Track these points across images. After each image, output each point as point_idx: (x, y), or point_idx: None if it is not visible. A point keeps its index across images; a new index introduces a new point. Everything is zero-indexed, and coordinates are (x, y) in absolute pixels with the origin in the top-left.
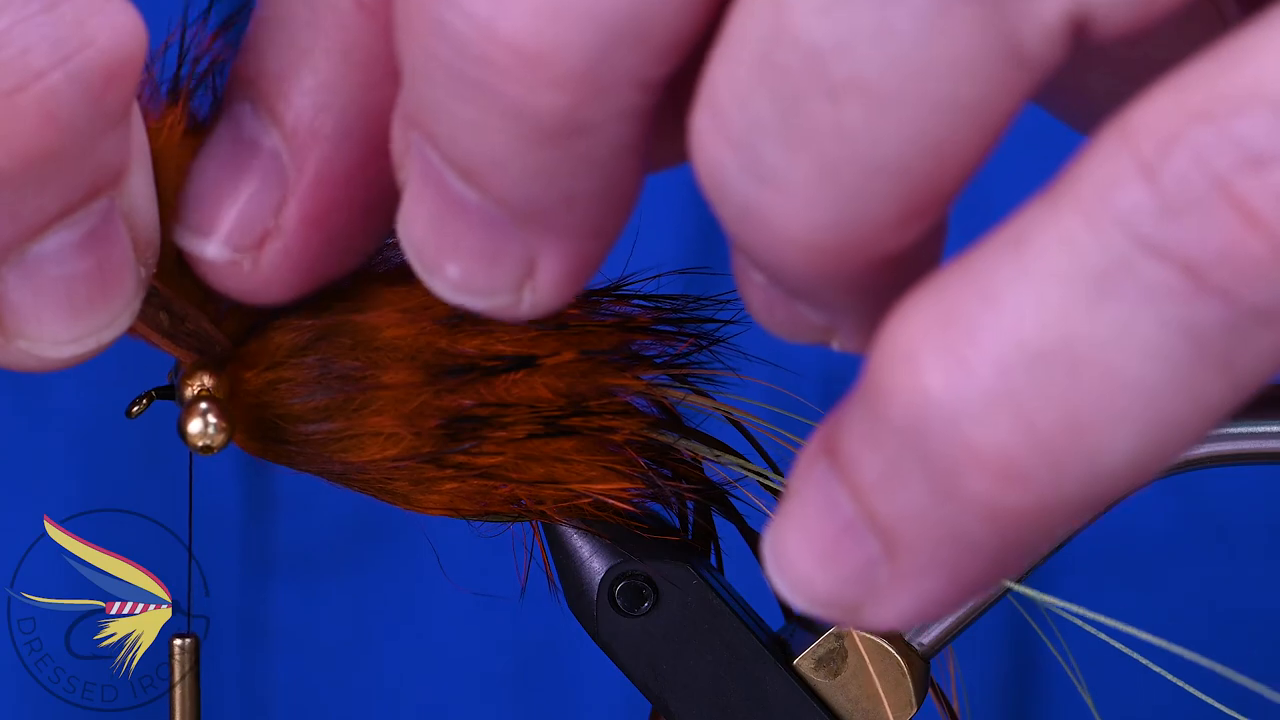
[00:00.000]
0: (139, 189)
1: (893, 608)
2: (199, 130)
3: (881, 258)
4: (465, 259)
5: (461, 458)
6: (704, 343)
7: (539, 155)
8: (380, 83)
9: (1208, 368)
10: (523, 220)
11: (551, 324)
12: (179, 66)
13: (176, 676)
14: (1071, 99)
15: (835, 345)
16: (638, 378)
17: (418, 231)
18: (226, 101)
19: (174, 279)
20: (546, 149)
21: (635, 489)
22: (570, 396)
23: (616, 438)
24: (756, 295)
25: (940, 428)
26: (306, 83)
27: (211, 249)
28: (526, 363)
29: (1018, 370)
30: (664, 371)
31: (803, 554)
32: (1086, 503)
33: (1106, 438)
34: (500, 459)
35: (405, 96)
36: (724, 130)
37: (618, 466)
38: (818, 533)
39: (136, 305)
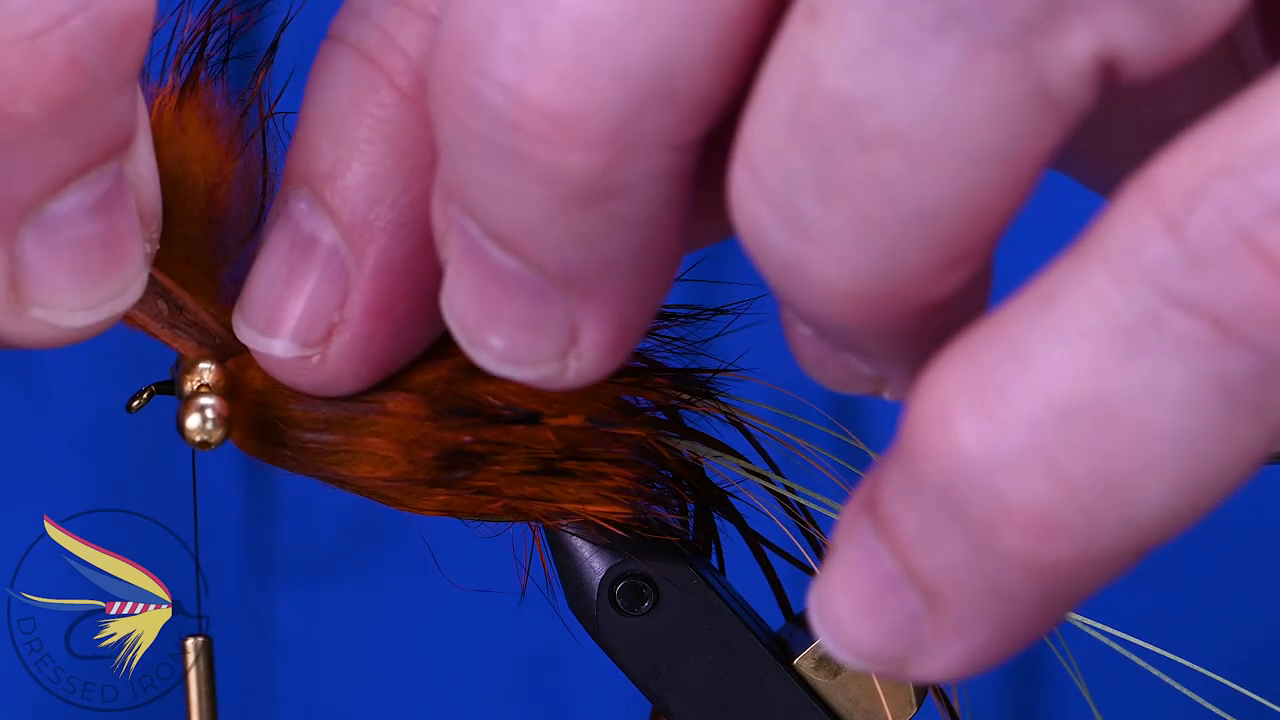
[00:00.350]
0: (143, 158)
1: (939, 661)
2: (190, 112)
3: (925, 306)
4: (508, 329)
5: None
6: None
7: (575, 219)
8: (429, 169)
9: (1240, 416)
10: (563, 286)
11: None
12: (168, 46)
13: (191, 677)
14: (1093, 161)
15: (887, 395)
16: (638, 428)
17: (460, 305)
18: (280, 197)
19: (170, 268)
20: (582, 212)
21: (633, 499)
22: (570, 442)
23: (610, 483)
24: (806, 349)
25: (975, 484)
26: (357, 176)
27: (279, 346)
28: (531, 419)
29: (1050, 426)
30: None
31: (847, 609)
32: (1126, 553)
33: (1141, 489)
34: (493, 484)
35: (442, 172)
36: (760, 186)
37: (613, 496)
38: (861, 588)
39: (145, 277)
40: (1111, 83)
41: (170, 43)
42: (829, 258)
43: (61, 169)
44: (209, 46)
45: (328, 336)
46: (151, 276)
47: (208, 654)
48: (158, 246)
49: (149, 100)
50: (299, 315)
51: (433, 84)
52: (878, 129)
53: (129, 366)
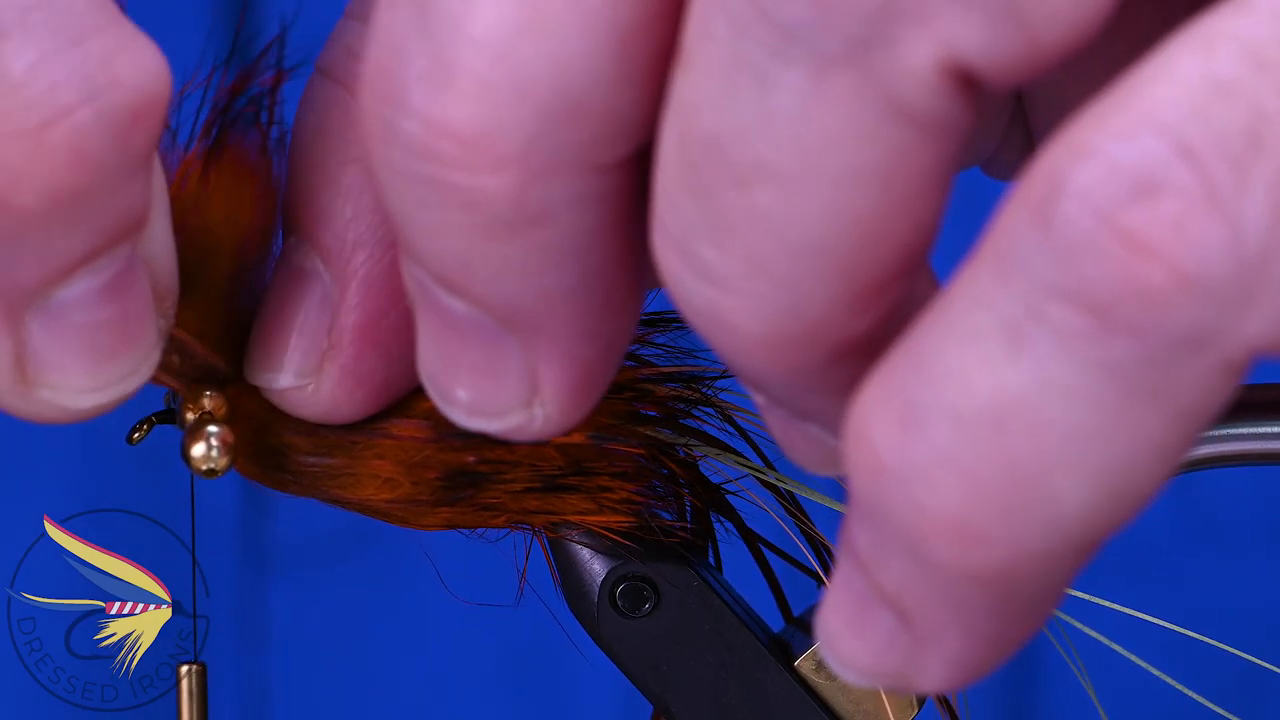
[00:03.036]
0: (159, 237)
1: (932, 673)
2: (214, 175)
3: (847, 344)
4: (470, 379)
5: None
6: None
7: (503, 247)
8: None
9: (1138, 403)
10: (510, 326)
11: None
12: (197, 114)
13: (184, 703)
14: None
15: None
16: (640, 445)
17: (426, 359)
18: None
19: (187, 324)
20: (508, 239)
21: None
22: (573, 458)
23: (614, 496)
24: (773, 426)
25: (897, 497)
26: (332, 199)
27: (281, 380)
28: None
29: (953, 432)
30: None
31: (839, 628)
32: (1063, 551)
33: (1052, 487)
34: (497, 501)
35: (389, 221)
36: (667, 235)
37: (616, 506)
38: (846, 608)
39: (157, 354)
40: (978, 89)
41: (200, 107)
42: (739, 303)
43: (67, 257)
44: (235, 108)
45: (321, 364)
46: (170, 335)
47: (201, 680)
48: (174, 321)
49: (175, 165)
50: (295, 347)
51: (359, 123)
52: (748, 164)
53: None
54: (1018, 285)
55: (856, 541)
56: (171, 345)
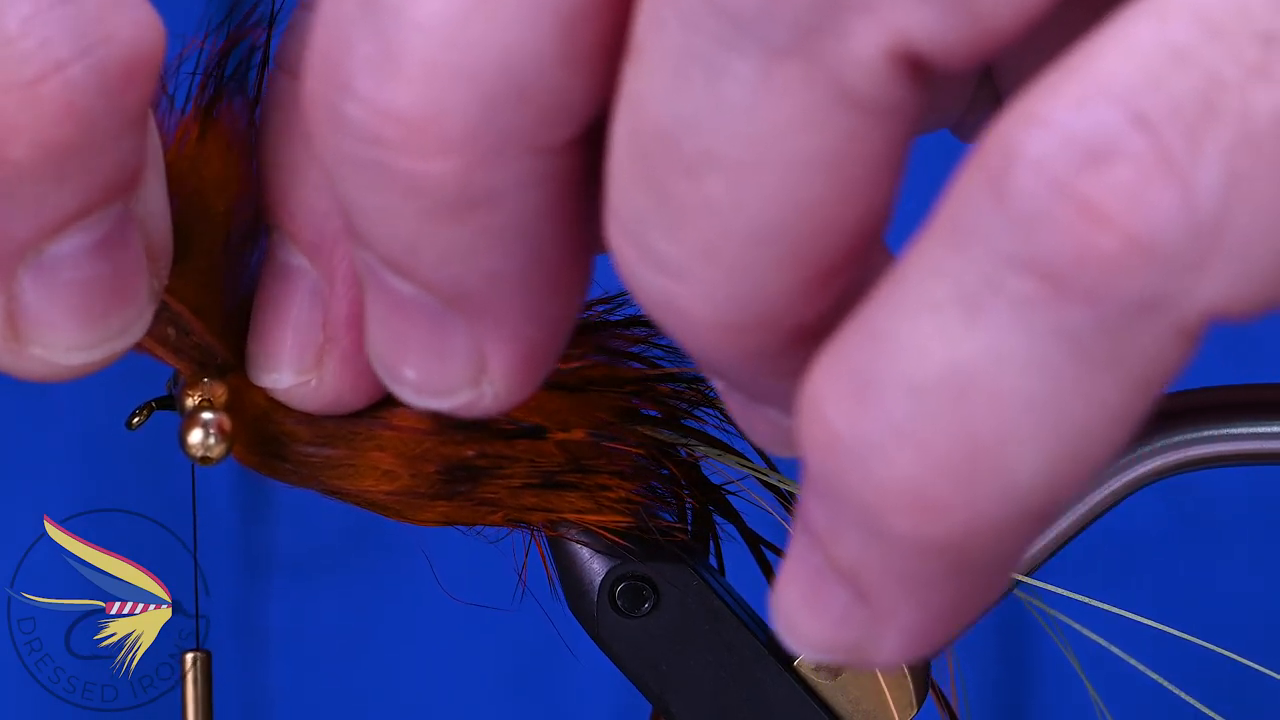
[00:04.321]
0: (153, 197)
1: (888, 646)
2: (211, 139)
3: (802, 329)
4: (417, 358)
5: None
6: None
7: (449, 231)
8: None
9: (1094, 371)
10: (456, 307)
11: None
12: (192, 76)
13: (189, 690)
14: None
15: None
16: (639, 445)
17: (374, 339)
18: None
19: (183, 294)
20: (454, 222)
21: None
22: (572, 455)
23: (613, 495)
24: (733, 409)
25: (852, 470)
26: (304, 193)
27: (282, 380)
28: (535, 434)
29: (909, 402)
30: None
31: (795, 604)
32: (1020, 519)
33: (1008, 456)
34: (495, 497)
35: (340, 209)
36: (619, 225)
37: (615, 506)
38: (801, 582)
39: (149, 315)
40: (928, 74)
41: (195, 69)
42: (692, 291)
43: (59, 212)
44: (230, 69)
45: (320, 359)
46: (163, 303)
47: (206, 667)
48: (167, 281)
49: (172, 128)
50: (290, 344)
51: (305, 110)
52: (698, 154)
53: (130, 367)
54: (973, 254)
55: (811, 517)
56: (166, 315)
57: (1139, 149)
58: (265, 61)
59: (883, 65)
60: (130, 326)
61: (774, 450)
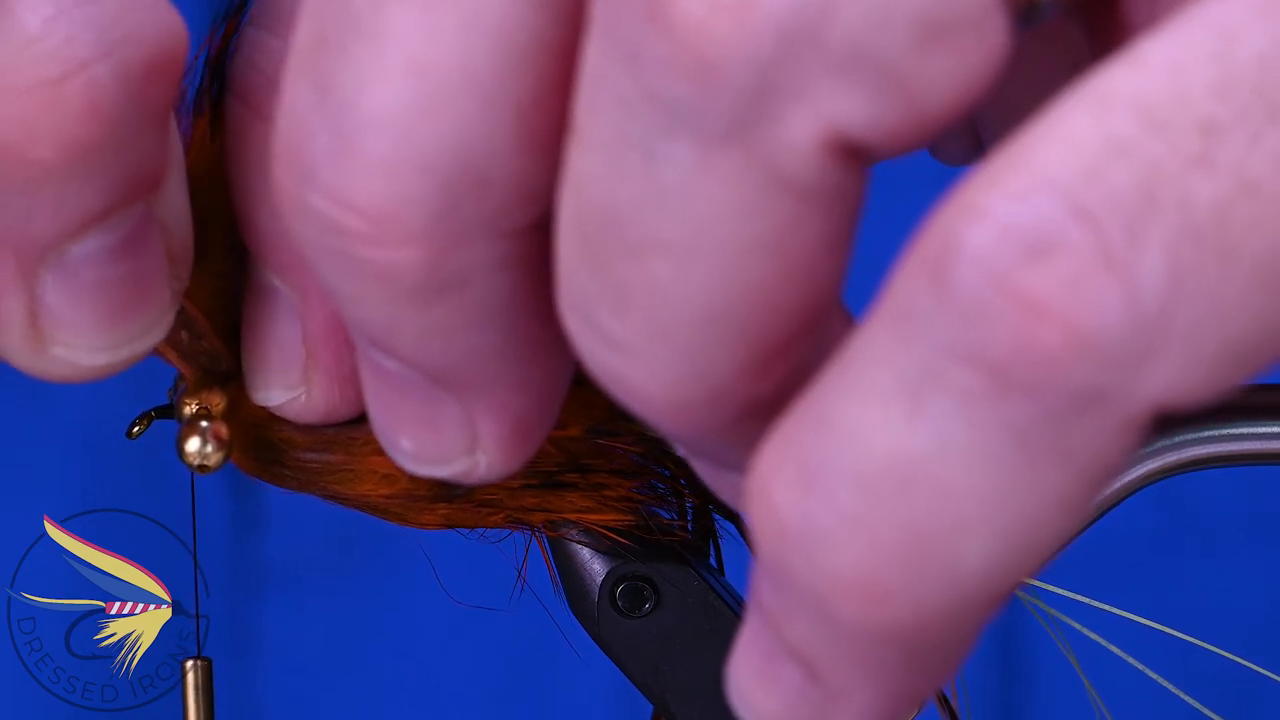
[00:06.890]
0: (174, 197)
1: None
2: (220, 139)
3: (753, 405)
4: (409, 429)
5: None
6: None
7: (423, 315)
8: None
9: (1041, 462)
10: (441, 383)
11: None
12: (204, 76)
13: (190, 698)
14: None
15: None
16: (636, 444)
17: (371, 409)
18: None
19: (199, 299)
20: (426, 307)
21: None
22: (570, 454)
23: (612, 494)
24: (700, 473)
25: (800, 557)
26: (268, 219)
27: (274, 397)
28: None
29: (856, 492)
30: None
31: (749, 680)
32: (965, 606)
33: (955, 546)
34: (495, 498)
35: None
36: (569, 303)
37: (615, 505)
38: (756, 659)
39: (171, 316)
40: (865, 157)
41: (203, 68)
42: (641, 369)
43: (82, 213)
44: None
45: (305, 375)
46: (181, 306)
47: (207, 675)
48: (187, 283)
49: (187, 129)
50: (274, 362)
51: (275, 195)
52: (639, 237)
53: (130, 368)
54: (915, 345)
55: (763, 597)
56: (182, 318)
57: (1079, 242)
58: (222, 87)
59: (818, 152)
60: (152, 328)
61: (743, 509)
